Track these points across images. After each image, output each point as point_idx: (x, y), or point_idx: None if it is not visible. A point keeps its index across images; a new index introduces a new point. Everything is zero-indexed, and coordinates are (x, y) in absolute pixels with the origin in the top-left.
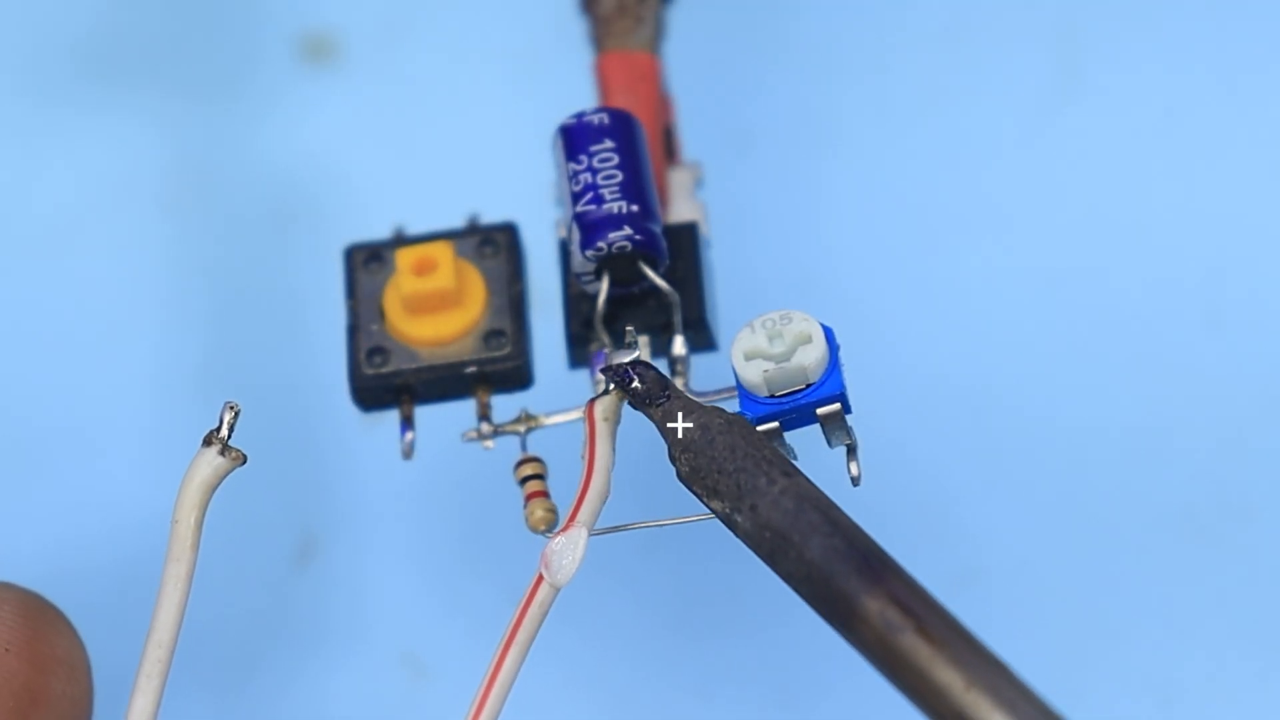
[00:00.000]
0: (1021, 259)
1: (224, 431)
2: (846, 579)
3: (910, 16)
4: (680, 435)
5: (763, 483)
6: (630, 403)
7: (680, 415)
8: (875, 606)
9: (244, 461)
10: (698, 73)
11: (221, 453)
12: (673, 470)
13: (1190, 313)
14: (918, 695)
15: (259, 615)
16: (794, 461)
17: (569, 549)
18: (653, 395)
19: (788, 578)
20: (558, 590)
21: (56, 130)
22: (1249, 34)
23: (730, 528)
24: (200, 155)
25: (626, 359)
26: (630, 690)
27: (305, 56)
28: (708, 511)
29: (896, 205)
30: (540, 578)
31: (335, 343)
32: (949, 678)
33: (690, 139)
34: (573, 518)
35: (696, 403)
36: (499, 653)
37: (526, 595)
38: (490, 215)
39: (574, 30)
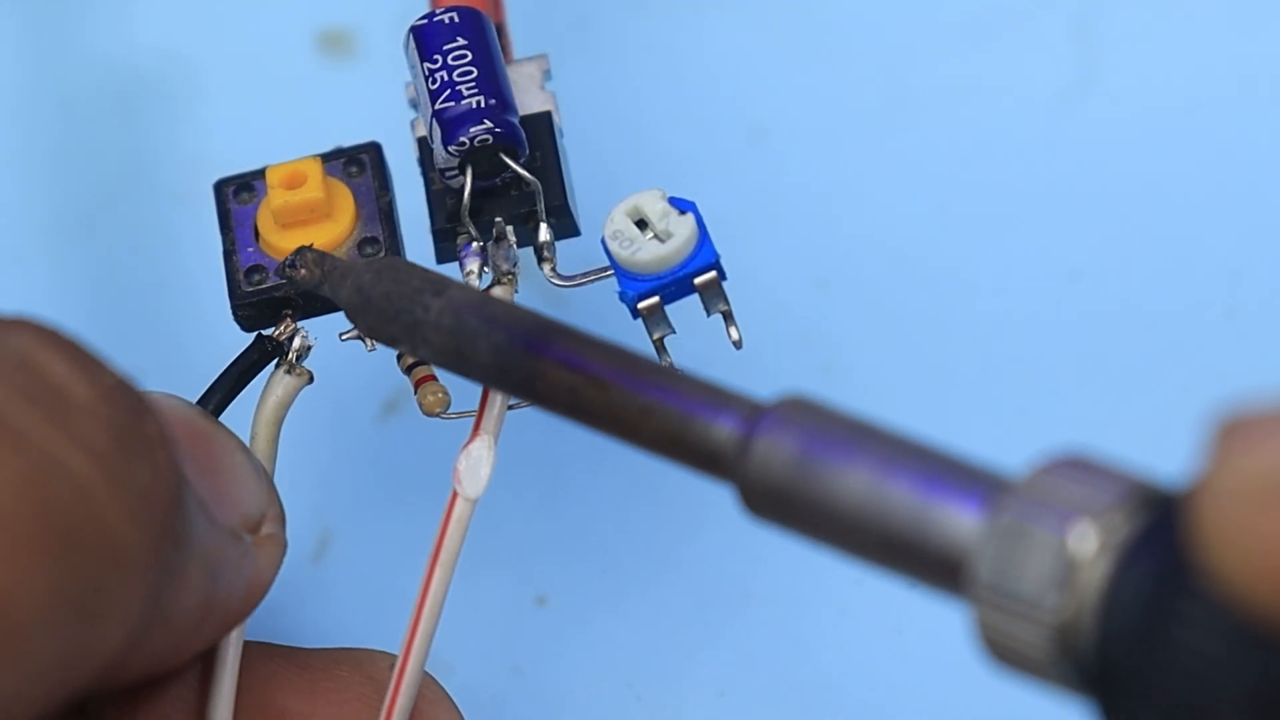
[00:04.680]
0: (1038, 253)
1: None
2: (519, 363)
3: (927, 8)
4: (347, 305)
5: (419, 313)
6: (310, 291)
7: (342, 285)
8: (552, 373)
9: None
10: (717, 67)
11: (288, 372)
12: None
13: (1209, 306)
14: (618, 429)
15: (273, 610)
16: (671, 334)
17: (479, 460)
18: (316, 278)
19: (482, 381)
20: (474, 503)
21: None
22: (1269, 26)
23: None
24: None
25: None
26: (646, 687)
27: None
28: None
29: (914, 199)
30: (455, 494)
31: (342, 339)
32: (633, 403)
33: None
34: (477, 427)
35: (349, 264)
36: (427, 572)
37: (445, 514)
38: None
39: None
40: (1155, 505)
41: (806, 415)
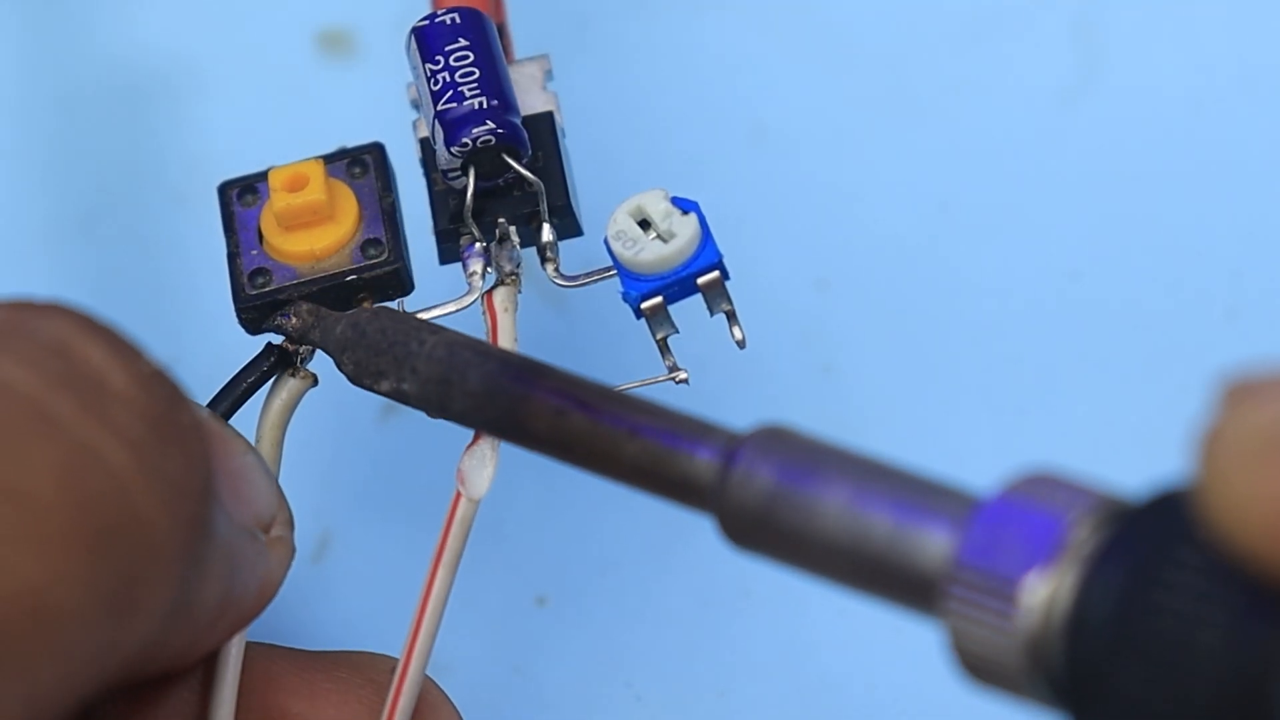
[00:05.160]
0: (1038, 252)
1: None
2: (508, 390)
3: (927, 8)
4: (338, 341)
5: (415, 346)
6: (296, 341)
7: (334, 326)
8: (538, 401)
9: (315, 382)
10: (718, 66)
11: (292, 374)
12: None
13: (1209, 306)
14: (599, 461)
15: (273, 610)
16: (674, 334)
17: (483, 460)
18: (307, 326)
19: (462, 416)
20: (476, 503)
21: None
22: (1269, 26)
23: (405, 401)
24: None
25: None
26: (646, 687)
27: None
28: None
29: (915, 198)
30: (459, 495)
31: None
32: (614, 434)
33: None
34: None
35: (338, 313)
36: (429, 573)
37: (448, 514)
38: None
39: None
40: (1121, 518)
41: (781, 445)
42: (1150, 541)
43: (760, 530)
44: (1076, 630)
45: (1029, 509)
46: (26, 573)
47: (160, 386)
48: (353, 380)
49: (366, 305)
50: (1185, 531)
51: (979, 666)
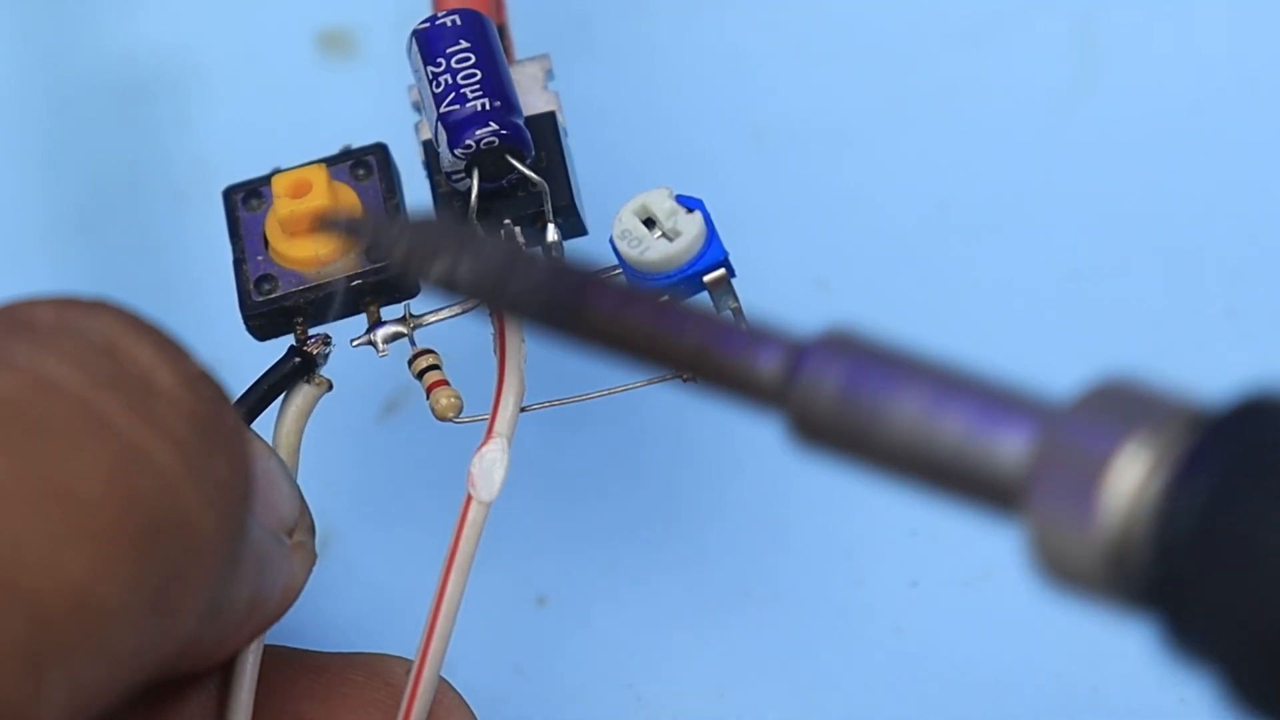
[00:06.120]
0: (1038, 252)
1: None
2: (578, 272)
3: (927, 8)
4: (400, 221)
5: (485, 234)
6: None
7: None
8: (607, 283)
9: (330, 388)
10: (719, 65)
11: (307, 380)
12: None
13: (1209, 306)
14: (661, 342)
15: None
16: None
17: (493, 463)
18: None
19: (519, 296)
20: (487, 506)
21: None
22: (1269, 26)
23: (453, 284)
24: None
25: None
26: (646, 687)
27: None
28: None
29: (915, 198)
30: (469, 497)
31: (347, 332)
32: (678, 323)
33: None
34: (490, 428)
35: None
36: (442, 577)
37: (460, 517)
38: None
39: None
40: (1204, 425)
41: (851, 346)
42: (1238, 446)
43: (832, 433)
44: (1162, 535)
45: (1110, 414)
46: (73, 570)
47: (207, 387)
48: (401, 265)
49: (374, 311)
50: (1275, 436)
51: (1062, 570)
